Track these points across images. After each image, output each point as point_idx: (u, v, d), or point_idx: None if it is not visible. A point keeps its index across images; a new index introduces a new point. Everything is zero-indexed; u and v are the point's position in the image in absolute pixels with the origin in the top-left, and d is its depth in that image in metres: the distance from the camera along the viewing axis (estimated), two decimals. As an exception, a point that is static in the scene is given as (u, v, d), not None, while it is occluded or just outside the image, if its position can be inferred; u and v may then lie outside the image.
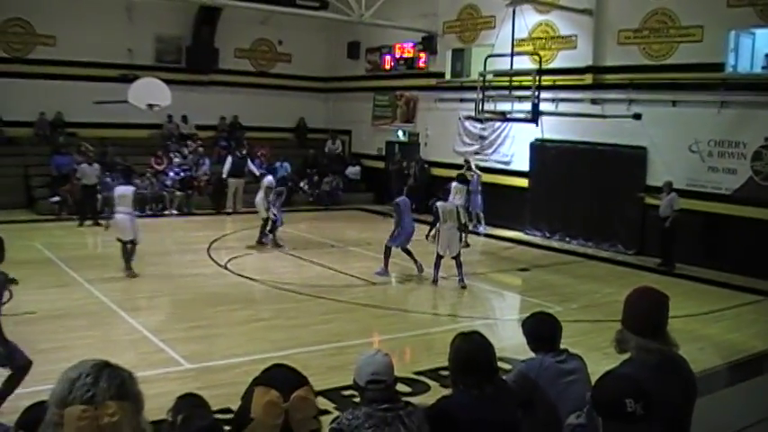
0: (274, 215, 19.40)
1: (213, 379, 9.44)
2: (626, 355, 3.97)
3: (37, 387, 8.91)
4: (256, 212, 19.83)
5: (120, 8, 26.56)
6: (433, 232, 16.71)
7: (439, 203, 16.50)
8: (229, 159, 25.69)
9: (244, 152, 26.24)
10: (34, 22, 26.24)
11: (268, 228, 19.40)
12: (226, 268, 16.63)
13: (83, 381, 2.22)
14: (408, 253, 16.77)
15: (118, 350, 10.53)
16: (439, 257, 15.88)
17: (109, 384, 2.21)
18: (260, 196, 19.37)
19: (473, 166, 22.67)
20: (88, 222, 21.82)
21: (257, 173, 24.12)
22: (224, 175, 25.40)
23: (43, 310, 12.61)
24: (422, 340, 11.98)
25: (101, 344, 10.87)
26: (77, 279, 15.13)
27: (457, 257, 15.77)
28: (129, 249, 15.51)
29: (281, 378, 2.94)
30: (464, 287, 15.58)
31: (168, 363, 10.10)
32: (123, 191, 15.82)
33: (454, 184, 20.00)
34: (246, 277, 15.97)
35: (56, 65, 26.22)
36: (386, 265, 16.55)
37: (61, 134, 25.89)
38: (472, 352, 4.37)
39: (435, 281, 15.85)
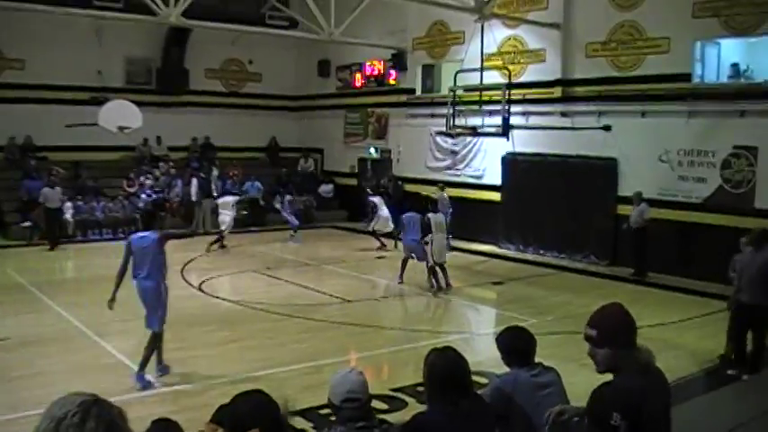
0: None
1: (190, 402, 9.39)
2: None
3: (11, 415, 8.88)
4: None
5: (90, 31, 26.45)
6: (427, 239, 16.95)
7: (430, 215, 17.02)
8: (195, 181, 25.73)
9: (213, 173, 26.31)
10: (3, 45, 26.11)
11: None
12: (200, 289, 16.58)
13: (69, 420, 2.14)
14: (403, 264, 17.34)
15: (93, 375, 10.47)
16: (433, 266, 16.57)
17: (97, 424, 2.14)
18: (228, 215, 20.27)
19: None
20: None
21: (215, 193, 25.15)
22: (193, 198, 25.38)
23: (17, 336, 12.54)
24: (398, 357, 11.99)
25: (76, 369, 10.81)
26: (50, 304, 15.04)
27: (443, 264, 16.71)
28: None
29: (239, 412, 2.93)
30: (449, 286, 16.54)
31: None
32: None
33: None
34: (221, 298, 15.94)
35: (25, 88, 26.09)
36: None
37: (32, 158, 25.72)
38: (447, 367, 4.36)
39: (439, 288, 16.50)
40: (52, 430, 2.15)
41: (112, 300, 10.42)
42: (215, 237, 22.05)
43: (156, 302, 10.48)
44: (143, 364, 10.15)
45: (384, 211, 22.81)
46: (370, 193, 24.32)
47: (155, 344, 10.41)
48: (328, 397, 4.28)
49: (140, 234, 10.57)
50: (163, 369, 10.61)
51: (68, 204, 23.94)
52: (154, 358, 10.45)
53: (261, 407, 3.01)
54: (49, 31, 25.24)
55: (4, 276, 18.00)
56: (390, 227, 22.08)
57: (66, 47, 26.21)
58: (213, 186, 25.91)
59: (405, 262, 17.36)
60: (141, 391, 9.80)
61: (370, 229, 23.16)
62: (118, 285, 10.48)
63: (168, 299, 10.74)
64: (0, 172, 25.56)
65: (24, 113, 25.87)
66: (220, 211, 22.70)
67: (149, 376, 10.28)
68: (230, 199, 23.04)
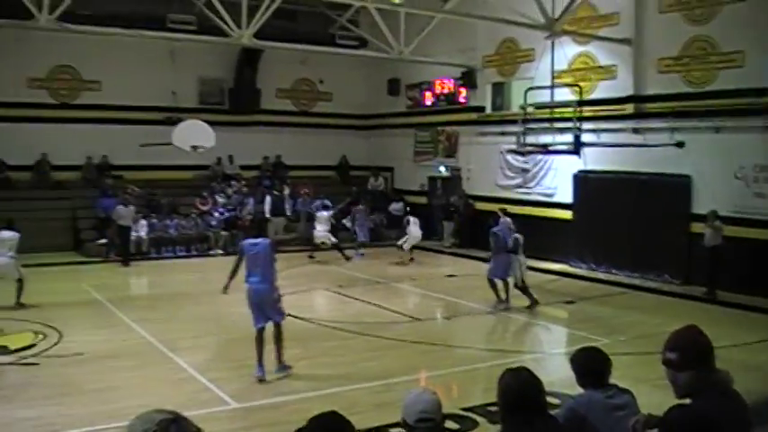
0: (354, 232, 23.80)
1: (260, 418, 9.47)
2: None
3: (87, 428, 9.07)
4: (299, 251, 19.89)
5: (164, 52, 27.00)
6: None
7: (517, 235, 17.24)
8: (268, 199, 26.13)
9: (285, 191, 26.80)
10: (81, 68, 26.82)
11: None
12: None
13: None
14: (522, 289, 16.96)
15: (165, 390, 10.62)
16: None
17: None
18: (323, 229, 22.84)
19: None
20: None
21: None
22: (267, 215, 25.74)
23: (91, 351, 12.81)
24: (469, 376, 11.93)
25: (149, 383, 10.97)
26: (124, 320, 15.32)
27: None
28: None
29: None
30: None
31: (216, 402, 10.13)
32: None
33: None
34: (292, 315, 16.00)
35: (102, 109, 26.78)
36: (497, 296, 16.80)
37: (108, 177, 26.32)
38: (521, 388, 4.28)
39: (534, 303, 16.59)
40: None
41: (226, 288, 11.82)
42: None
43: (273, 301, 11.50)
44: (280, 356, 11.44)
45: (415, 230, 23.71)
46: (408, 210, 26.05)
47: (281, 335, 11.45)
48: (402, 416, 4.26)
49: (252, 240, 11.56)
50: (283, 368, 11.49)
51: (143, 222, 24.42)
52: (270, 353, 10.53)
53: (335, 428, 3.01)
54: (124, 53, 25.81)
55: (81, 292, 18.39)
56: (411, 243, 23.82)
57: (141, 68, 26.80)
58: (287, 205, 26.45)
59: (492, 282, 17.23)
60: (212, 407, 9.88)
61: (398, 244, 24.27)
62: (231, 279, 11.73)
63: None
64: (77, 190, 26.19)
65: (101, 134, 26.56)
66: (316, 225, 24.06)
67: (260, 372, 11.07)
68: (325, 214, 24.17)
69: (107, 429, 8.86)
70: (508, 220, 17.92)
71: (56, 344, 13.32)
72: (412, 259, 23.65)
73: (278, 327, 11.46)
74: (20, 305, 16.26)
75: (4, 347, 13.06)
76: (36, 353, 12.75)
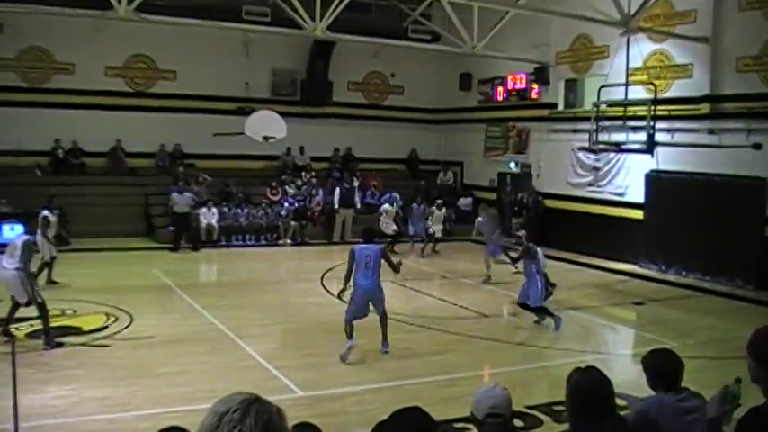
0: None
1: (325, 408, 9.54)
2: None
3: (157, 410, 9.25)
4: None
5: (238, 43, 27.32)
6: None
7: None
8: (338, 191, 26.33)
9: (354, 183, 26.95)
10: (156, 57, 27.28)
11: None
12: (339, 298, 16.79)
13: (230, 416, 2.28)
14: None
15: (233, 376, 10.77)
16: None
17: (256, 421, 2.26)
18: (388, 222, 21.59)
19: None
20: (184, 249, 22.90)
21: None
22: (336, 206, 25.93)
23: (161, 335, 13.08)
24: (534, 374, 11.87)
25: (216, 369, 11.15)
26: (194, 305, 15.57)
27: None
28: None
29: (399, 430, 2.95)
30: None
31: (282, 390, 10.21)
32: None
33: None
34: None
35: (176, 98, 27.19)
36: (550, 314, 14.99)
37: (180, 165, 26.75)
38: (590, 388, 4.26)
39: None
40: (215, 424, 2.29)
41: (342, 292, 12.84)
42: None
43: (382, 296, 12.43)
44: (386, 336, 12.48)
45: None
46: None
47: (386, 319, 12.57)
48: (471, 411, 4.27)
49: (364, 245, 12.41)
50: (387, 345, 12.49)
51: (214, 210, 24.76)
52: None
53: (420, 425, 3.03)
54: (199, 43, 26.13)
55: (151, 277, 18.74)
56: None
57: (215, 59, 27.13)
58: (357, 198, 26.64)
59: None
60: (279, 395, 9.99)
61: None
62: (347, 283, 12.43)
63: None
64: (150, 178, 26.68)
65: (174, 122, 27.01)
66: (382, 219, 24.41)
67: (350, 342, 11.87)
68: (390, 208, 24.79)
69: (176, 412, 9.02)
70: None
71: (127, 327, 13.61)
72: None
73: (385, 313, 12.49)
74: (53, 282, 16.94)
75: (78, 328, 13.41)
76: (108, 335, 13.06)
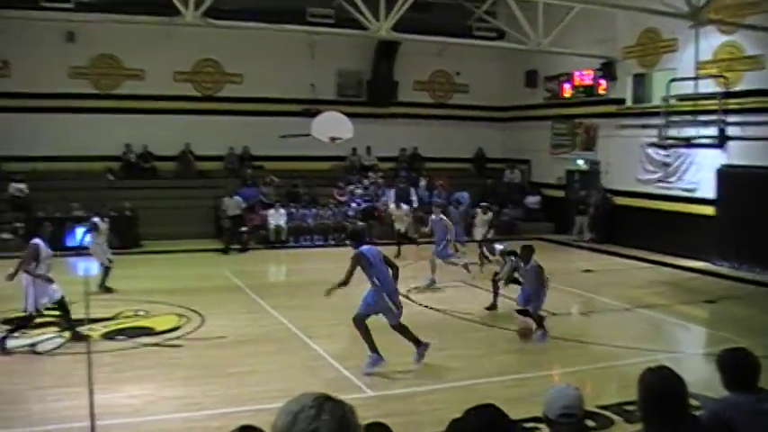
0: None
1: (394, 407, 9.56)
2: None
3: (228, 409, 9.38)
4: (431, 242, 19.90)
5: (303, 45, 27.51)
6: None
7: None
8: (392, 191, 26.28)
9: (422, 183, 27.02)
10: (223, 61, 27.66)
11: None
12: (407, 297, 16.77)
13: (306, 413, 2.32)
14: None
15: (303, 376, 10.86)
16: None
17: (331, 417, 2.30)
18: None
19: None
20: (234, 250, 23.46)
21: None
22: (390, 206, 25.95)
23: (233, 335, 13.27)
24: (604, 373, 11.72)
25: (287, 369, 11.28)
26: (263, 306, 15.74)
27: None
28: None
29: (473, 428, 2.94)
30: None
31: (352, 390, 10.25)
32: None
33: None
34: (428, 307, 16.10)
35: (243, 102, 27.53)
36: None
37: (249, 167, 27.09)
38: (664, 388, 4.17)
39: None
40: (290, 422, 2.32)
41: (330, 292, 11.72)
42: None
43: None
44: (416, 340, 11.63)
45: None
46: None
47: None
48: (543, 411, 4.25)
49: (369, 247, 11.87)
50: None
51: (282, 211, 25.01)
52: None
53: (493, 423, 3.03)
54: (265, 46, 26.41)
55: (221, 278, 18.99)
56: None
57: (280, 61, 27.40)
58: (414, 197, 26.42)
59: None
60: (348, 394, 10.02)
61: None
62: (341, 287, 11.54)
63: None
64: (219, 180, 27.03)
65: (242, 125, 27.35)
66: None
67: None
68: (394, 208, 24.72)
69: (247, 411, 9.15)
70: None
71: (198, 327, 13.81)
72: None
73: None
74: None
75: (150, 329, 13.66)
76: (180, 335, 13.27)
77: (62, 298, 12.87)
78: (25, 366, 11.69)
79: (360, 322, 11.28)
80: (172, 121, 26.67)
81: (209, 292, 17.23)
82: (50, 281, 12.68)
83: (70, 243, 20.83)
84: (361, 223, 24.39)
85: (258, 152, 28.00)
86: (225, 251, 23.25)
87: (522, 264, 13.90)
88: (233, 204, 23.91)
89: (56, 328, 13.40)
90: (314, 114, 25.14)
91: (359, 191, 27.59)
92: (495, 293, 15.69)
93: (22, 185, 24.24)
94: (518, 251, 14.25)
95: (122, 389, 10.23)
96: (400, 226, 24.21)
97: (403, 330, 11.52)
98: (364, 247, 11.61)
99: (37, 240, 12.78)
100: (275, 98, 27.81)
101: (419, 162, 30.18)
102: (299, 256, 23.58)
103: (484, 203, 23.00)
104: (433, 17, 27.67)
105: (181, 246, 22.67)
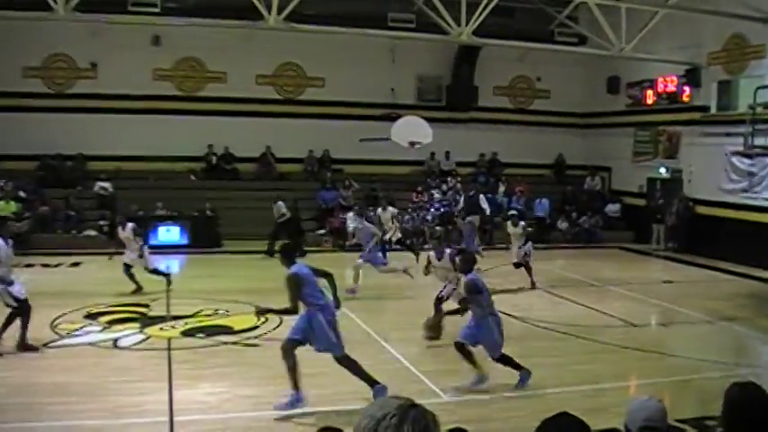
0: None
1: (470, 414, 9.52)
2: None
3: (302, 410, 9.45)
4: (504, 248, 19.76)
5: (384, 50, 27.62)
6: None
7: None
8: (461, 198, 26.09)
9: (501, 189, 26.81)
10: (304, 65, 27.94)
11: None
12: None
13: (388, 422, 2.30)
14: None
15: (378, 379, 10.84)
16: None
17: (413, 427, 2.29)
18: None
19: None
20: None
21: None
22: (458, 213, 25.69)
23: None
24: (683, 386, 11.48)
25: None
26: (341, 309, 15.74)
27: None
28: None
29: None
30: None
31: (427, 394, 10.23)
32: None
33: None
34: (504, 313, 15.96)
35: (324, 105, 27.78)
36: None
37: (328, 170, 27.32)
38: (750, 404, 4.07)
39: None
40: (372, 428, 2.31)
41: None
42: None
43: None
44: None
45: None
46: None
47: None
48: (625, 423, 4.21)
49: (303, 265, 10.73)
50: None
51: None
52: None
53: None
54: (346, 51, 26.55)
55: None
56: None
57: (361, 66, 27.54)
58: (486, 205, 25.91)
59: None
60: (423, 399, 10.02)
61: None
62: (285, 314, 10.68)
63: None
64: (300, 182, 27.29)
65: (322, 128, 27.60)
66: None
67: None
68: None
69: (320, 412, 9.31)
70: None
71: (276, 327, 13.91)
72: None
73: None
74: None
75: (229, 328, 13.87)
76: (258, 335, 13.42)
77: (25, 301, 12.15)
78: (108, 360, 12.00)
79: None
80: (253, 123, 27.03)
81: (283, 292, 17.37)
82: (10, 283, 12.01)
83: (152, 241, 21.19)
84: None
85: (338, 155, 28.22)
86: (269, 253, 23.02)
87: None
88: (277, 209, 23.89)
89: (137, 324, 13.72)
90: (394, 119, 25.19)
91: (437, 195, 27.59)
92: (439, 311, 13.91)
93: (106, 184, 24.87)
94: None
95: (200, 386, 10.41)
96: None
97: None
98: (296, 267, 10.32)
99: None
100: (356, 102, 28.01)
101: (498, 168, 30.02)
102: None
103: (513, 212, 21.83)
104: (515, 22, 27.55)
105: (260, 246, 22.87)
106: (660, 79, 27.58)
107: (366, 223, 19.11)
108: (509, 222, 20.14)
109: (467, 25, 21.11)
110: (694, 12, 22.50)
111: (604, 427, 8.13)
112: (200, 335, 13.42)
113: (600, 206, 29.24)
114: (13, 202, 23.10)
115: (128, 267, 16.63)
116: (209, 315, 14.79)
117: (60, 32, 24.28)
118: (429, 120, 24.75)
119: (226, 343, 12.90)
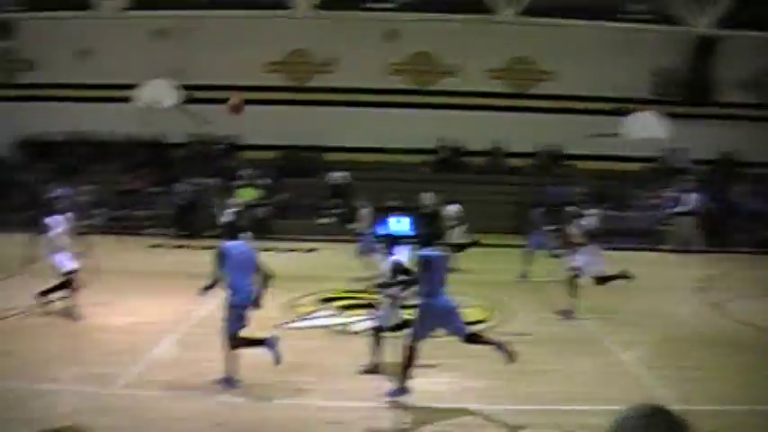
0: None
1: (698, 425, 9.06)
2: None
3: (528, 406, 9.45)
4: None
5: (617, 42, 26.87)
6: None
7: None
8: (684, 196, 24.98)
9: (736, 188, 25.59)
10: (537, 58, 27.76)
11: None
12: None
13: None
14: None
15: (595, 382, 10.66)
16: None
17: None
18: None
19: None
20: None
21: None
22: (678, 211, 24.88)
23: (538, 333, 13.32)
24: None
25: (579, 374, 11.15)
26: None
27: None
28: None
29: None
30: None
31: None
32: None
33: None
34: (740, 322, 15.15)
35: (555, 99, 27.52)
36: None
37: (559, 166, 27.07)
38: None
39: None
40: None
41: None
42: None
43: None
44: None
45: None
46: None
47: None
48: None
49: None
50: None
51: (592, 211, 24.58)
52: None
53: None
54: (578, 43, 26.24)
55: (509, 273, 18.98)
56: None
57: (593, 58, 27.06)
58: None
59: None
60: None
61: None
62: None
63: None
64: (528, 177, 27.40)
65: (553, 123, 27.45)
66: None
67: None
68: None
69: (545, 410, 9.32)
70: None
71: (504, 321, 13.97)
72: None
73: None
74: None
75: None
76: (485, 328, 13.41)
77: (69, 272, 13.37)
78: (342, 345, 12.60)
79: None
80: (483, 117, 27.22)
81: (505, 287, 17.40)
82: (57, 252, 13.20)
83: (380, 231, 21.58)
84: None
85: (569, 151, 27.91)
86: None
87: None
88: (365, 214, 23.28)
89: (369, 310, 14.12)
90: (625, 113, 24.59)
91: (671, 194, 26.65)
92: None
93: (343, 174, 25.83)
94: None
95: (429, 375, 10.51)
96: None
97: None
98: (230, 244, 10.09)
99: None
100: (587, 96, 27.55)
101: (736, 167, 28.52)
102: (611, 259, 22.95)
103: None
104: (761, 11, 26.10)
105: (486, 239, 22.82)
106: None
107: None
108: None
109: (705, 15, 20.25)
110: None
111: None
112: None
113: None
114: (254, 189, 24.54)
115: None
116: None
117: (300, 29, 25.42)
118: (663, 115, 23.97)
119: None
